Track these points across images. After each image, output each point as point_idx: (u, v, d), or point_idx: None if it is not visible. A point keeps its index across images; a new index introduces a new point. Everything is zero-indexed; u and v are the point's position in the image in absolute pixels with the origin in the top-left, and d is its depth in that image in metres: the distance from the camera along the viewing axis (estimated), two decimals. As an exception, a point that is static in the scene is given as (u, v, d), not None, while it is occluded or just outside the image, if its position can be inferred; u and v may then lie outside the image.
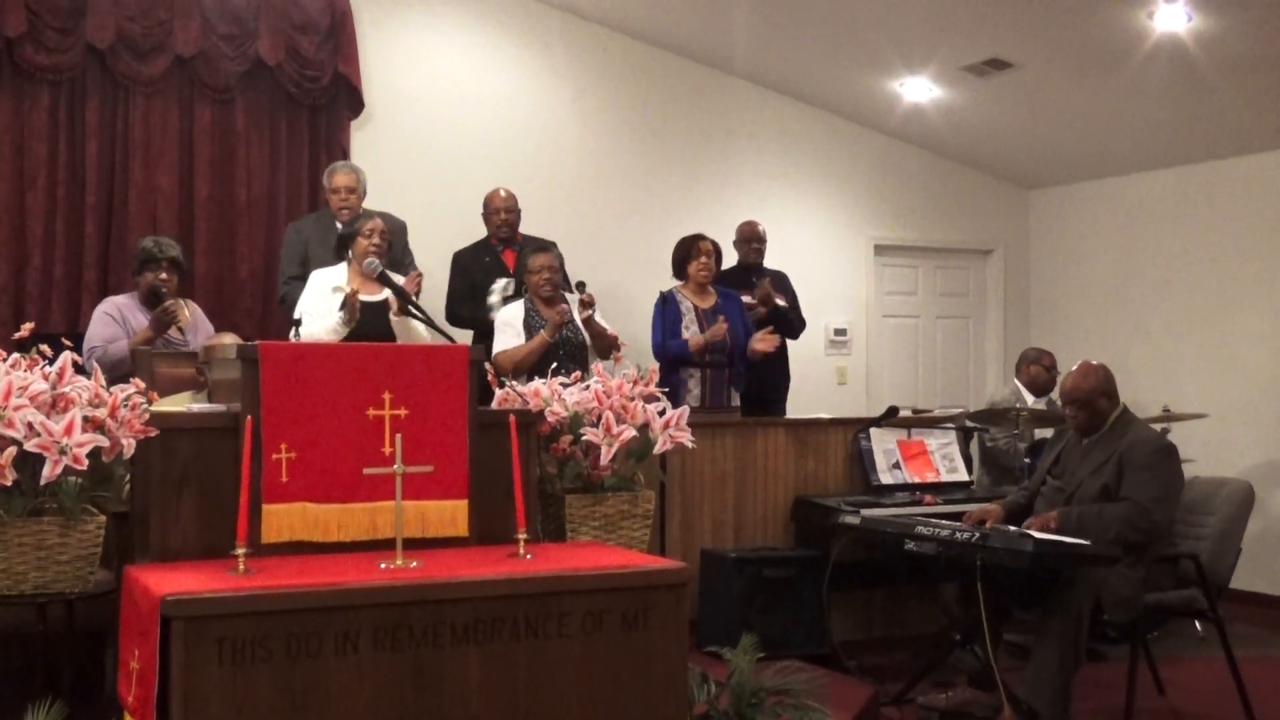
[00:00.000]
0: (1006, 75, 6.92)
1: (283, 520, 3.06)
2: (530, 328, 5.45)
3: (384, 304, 4.96)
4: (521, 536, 3.06)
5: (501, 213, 6.19)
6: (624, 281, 6.99)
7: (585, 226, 7.08)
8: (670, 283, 6.01)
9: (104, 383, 3.05)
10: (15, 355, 3.05)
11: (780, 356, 6.47)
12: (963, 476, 5.92)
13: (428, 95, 6.94)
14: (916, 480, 5.76)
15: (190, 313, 5.30)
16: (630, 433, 3.56)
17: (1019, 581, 4.36)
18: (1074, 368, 4.80)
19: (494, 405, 3.69)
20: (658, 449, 3.65)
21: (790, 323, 6.48)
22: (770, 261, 6.70)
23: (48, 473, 2.87)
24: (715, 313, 5.90)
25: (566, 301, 5.47)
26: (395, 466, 2.99)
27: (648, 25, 7.32)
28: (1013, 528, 4.41)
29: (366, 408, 3.16)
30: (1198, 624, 5.70)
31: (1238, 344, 7.38)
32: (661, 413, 3.68)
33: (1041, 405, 6.54)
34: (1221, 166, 7.50)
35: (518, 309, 5.53)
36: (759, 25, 6.92)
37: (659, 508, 4.09)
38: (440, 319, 5.27)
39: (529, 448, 3.39)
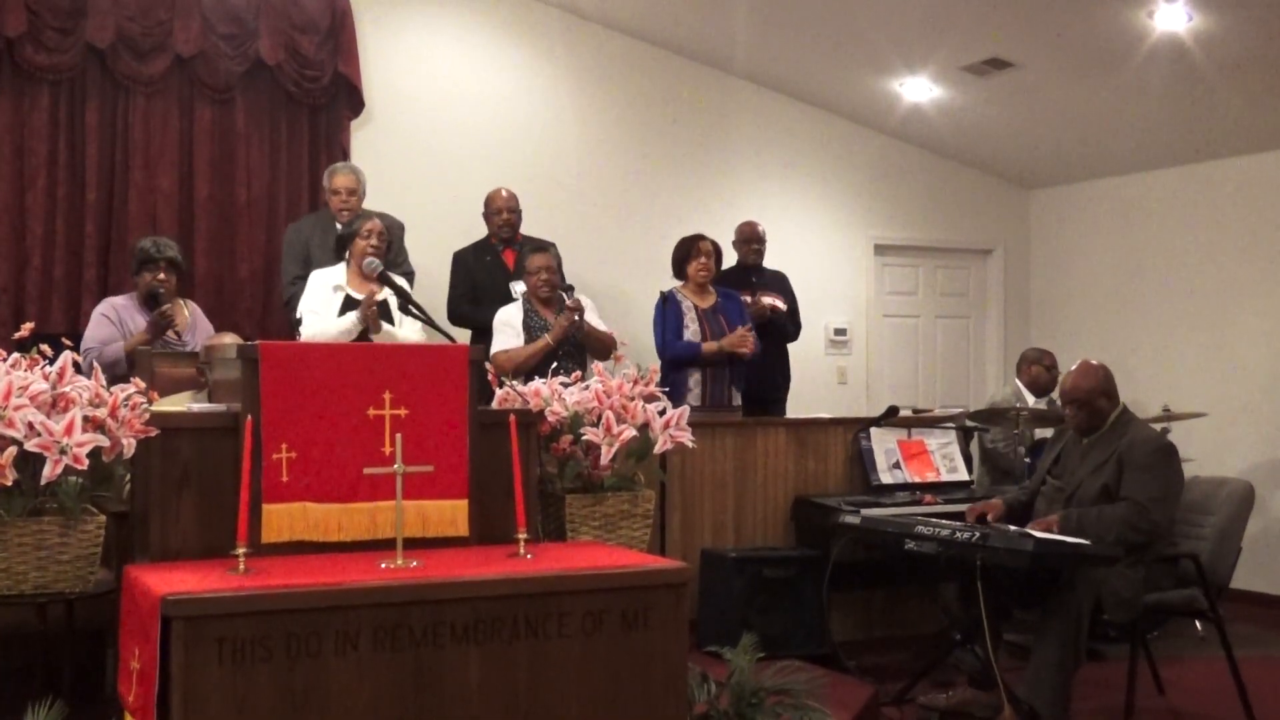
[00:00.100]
0: (1006, 75, 6.92)
1: (283, 520, 3.06)
2: (529, 328, 5.45)
3: (384, 304, 4.97)
4: (522, 536, 3.06)
5: (504, 212, 6.19)
6: (624, 281, 7.00)
7: (585, 226, 7.09)
8: (670, 283, 6.01)
9: (104, 382, 3.05)
10: (15, 355, 3.05)
11: (780, 356, 6.47)
12: (963, 476, 5.92)
13: (428, 95, 6.94)
14: (917, 480, 5.75)
15: (189, 313, 5.31)
16: (630, 432, 3.56)
17: (1019, 581, 4.36)
18: (1074, 367, 4.80)
19: (494, 405, 3.69)
20: (658, 449, 3.65)
21: (784, 327, 6.49)
22: (770, 261, 6.70)
23: (48, 473, 2.87)
24: (715, 313, 5.90)
25: (569, 301, 5.44)
26: (395, 466, 2.99)
27: (648, 25, 7.32)
28: (1013, 528, 4.41)
29: (367, 407, 3.16)
30: (1198, 624, 5.70)
31: (1238, 344, 7.38)
32: (662, 412, 3.68)
33: (1042, 405, 6.54)
34: (1221, 166, 7.50)
35: (516, 309, 5.53)
36: (759, 25, 6.92)
37: (659, 507, 4.09)
38: (440, 319, 5.27)
39: (529, 447, 3.39)
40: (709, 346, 5.73)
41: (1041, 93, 7.15)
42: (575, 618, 2.82)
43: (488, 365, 3.82)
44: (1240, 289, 7.39)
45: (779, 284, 6.59)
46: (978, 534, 4.22)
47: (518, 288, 5.81)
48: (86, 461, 2.91)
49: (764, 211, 7.16)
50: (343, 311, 4.94)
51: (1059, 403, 5.26)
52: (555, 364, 4.47)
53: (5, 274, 5.91)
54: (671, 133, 7.58)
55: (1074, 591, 4.23)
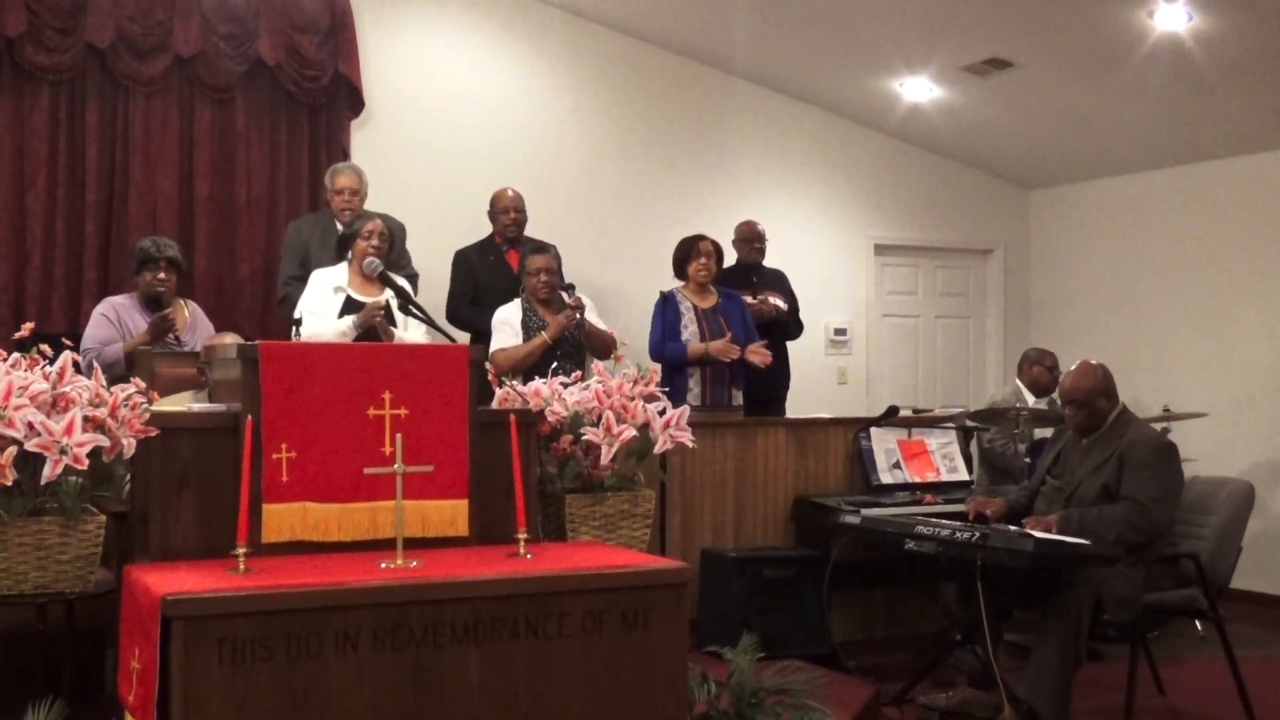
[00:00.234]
0: (1006, 75, 6.92)
1: (283, 520, 3.07)
2: (528, 327, 5.45)
3: (385, 306, 4.96)
4: (522, 536, 3.06)
5: (511, 212, 6.19)
6: (624, 281, 7.00)
7: (585, 226, 7.09)
8: (671, 283, 6.01)
9: (104, 382, 3.05)
10: (15, 355, 3.05)
11: (780, 356, 6.46)
12: (963, 476, 5.92)
13: (428, 95, 6.94)
14: (917, 480, 5.75)
15: (189, 312, 5.31)
16: (630, 432, 3.56)
17: (1019, 581, 4.36)
18: (1073, 367, 4.80)
19: (494, 405, 3.69)
20: (658, 449, 3.65)
21: (787, 326, 6.49)
22: (770, 261, 6.70)
23: (48, 472, 2.88)
24: (716, 313, 5.89)
25: (570, 299, 5.45)
26: (395, 466, 2.99)
27: (648, 25, 7.32)
28: (1013, 527, 4.41)
29: (367, 407, 3.16)
30: (1198, 624, 5.69)
31: (1238, 344, 7.38)
32: (662, 412, 3.68)
33: (1042, 405, 6.54)
34: (1221, 166, 7.50)
35: (515, 308, 5.52)
36: (759, 25, 6.92)
37: (659, 507, 4.08)
38: (440, 318, 5.27)
39: (529, 447, 3.39)
40: (695, 349, 5.71)
41: (1041, 93, 7.15)
42: (575, 618, 2.82)
43: (488, 365, 3.82)
44: (1240, 289, 7.39)
45: (778, 282, 6.60)
46: (978, 534, 4.21)
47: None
48: (86, 461, 2.91)
49: (764, 211, 7.16)
50: (344, 312, 4.93)
51: (1059, 403, 5.26)
52: (555, 364, 4.46)
53: (5, 274, 5.91)
54: (671, 133, 7.58)
55: (1074, 591, 4.23)
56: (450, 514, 3.21)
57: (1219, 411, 7.10)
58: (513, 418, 3.22)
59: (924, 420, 6.19)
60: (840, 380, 8.07)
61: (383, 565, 2.85)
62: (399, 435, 3.05)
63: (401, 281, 5.09)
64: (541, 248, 5.69)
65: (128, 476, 3.17)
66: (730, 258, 6.53)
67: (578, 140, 7.33)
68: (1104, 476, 4.56)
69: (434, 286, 6.08)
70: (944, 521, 4.50)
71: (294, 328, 4.72)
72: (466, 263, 6.19)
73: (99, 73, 6.13)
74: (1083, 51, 6.50)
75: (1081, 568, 4.23)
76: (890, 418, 5.83)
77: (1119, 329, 8.01)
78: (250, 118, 6.44)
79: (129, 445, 3.00)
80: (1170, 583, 4.56)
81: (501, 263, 6.12)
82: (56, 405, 2.96)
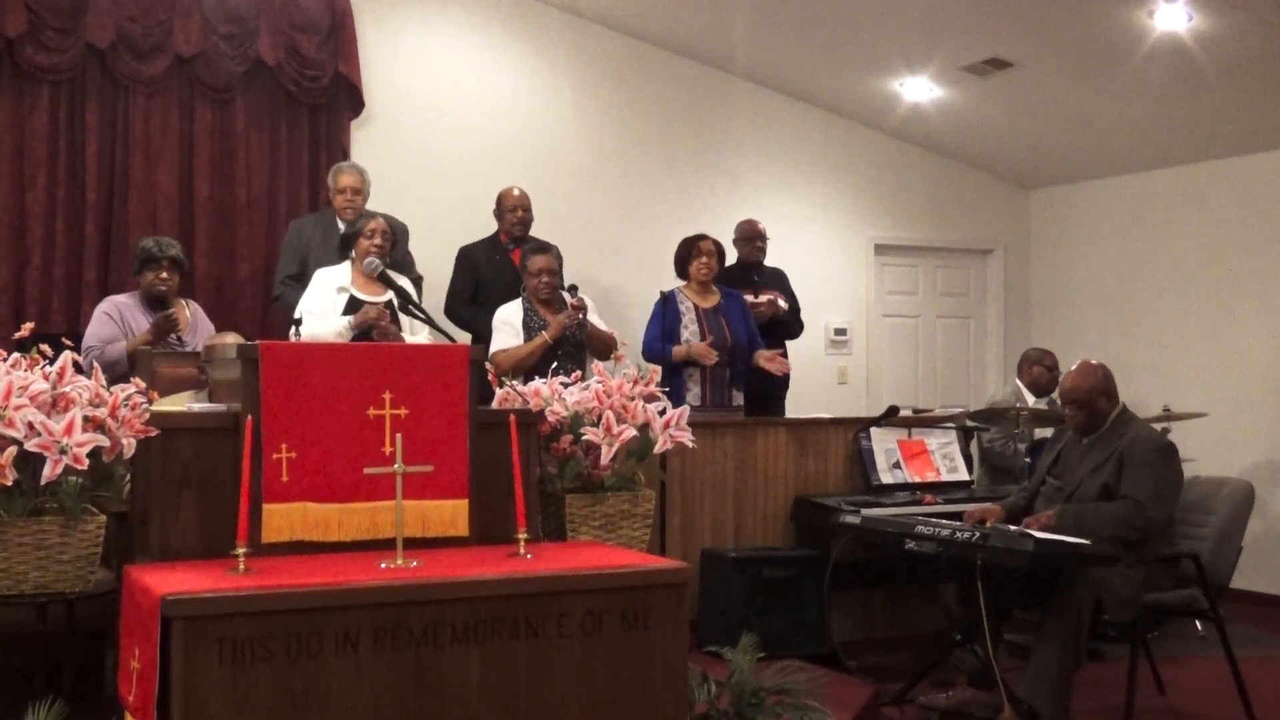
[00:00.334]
0: (1006, 75, 6.92)
1: (283, 520, 3.07)
2: (529, 327, 5.45)
3: (389, 306, 4.96)
4: (522, 536, 3.07)
5: (518, 210, 6.18)
6: (624, 281, 7.00)
7: (585, 226, 7.08)
8: (671, 282, 6.01)
9: (104, 382, 3.05)
10: (15, 355, 3.05)
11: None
12: (963, 476, 5.92)
13: (428, 95, 6.94)
14: (917, 480, 5.75)
15: (190, 313, 5.30)
16: (630, 432, 3.56)
17: (1019, 581, 4.36)
18: (1073, 367, 4.80)
19: (494, 405, 3.69)
20: (658, 449, 3.65)
21: (789, 326, 6.50)
22: (770, 261, 6.70)
23: (48, 472, 2.88)
24: (718, 313, 5.89)
25: (572, 300, 5.44)
26: (395, 466, 2.99)
27: (648, 25, 7.32)
28: (1013, 527, 4.41)
29: (367, 407, 3.16)
30: (1198, 624, 5.69)
31: (1238, 344, 7.38)
32: (662, 412, 3.68)
33: (1042, 405, 6.54)
34: (1221, 166, 7.50)
35: (516, 308, 5.52)
36: (759, 25, 6.92)
37: (659, 507, 4.09)
38: (441, 320, 5.27)
39: (529, 447, 3.39)
40: (678, 351, 5.70)
41: (1041, 93, 7.15)
42: (575, 618, 2.82)
43: (488, 365, 3.82)
44: (1240, 289, 7.39)
45: (778, 281, 6.60)
46: (978, 534, 4.22)
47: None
48: (86, 461, 2.91)
49: (764, 211, 7.16)
50: (348, 312, 4.94)
51: (1059, 403, 5.26)
52: (555, 364, 4.46)
53: (5, 274, 5.91)
54: (671, 133, 7.58)
55: (1074, 591, 4.23)
56: (450, 514, 3.21)
57: (1219, 411, 7.10)
58: (513, 418, 3.22)
59: (924, 420, 6.19)
60: (840, 380, 8.06)
61: (383, 565, 2.85)
62: (399, 435, 3.05)
63: (402, 281, 5.09)
64: (543, 248, 5.68)
65: (128, 476, 3.17)
66: (731, 257, 6.53)
67: (578, 140, 7.32)
68: (1104, 476, 4.56)
69: (431, 287, 6.08)
70: (944, 521, 4.50)
71: (293, 328, 4.72)
72: (471, 260, 6.18)
73: (99, 73, 6.12)
74: (1083, 51, 6.50)
75: (1082, 568, 4.22)
76: (890, 418, 5.83)
77: (1119, 329, 8.01)
78: (250, 118, 6.44)
79: (129, 445, 3.00)
80: (1170, 583, 4.56)
81: (507, 261, 6.11)
82: (56, 405, 2.97)
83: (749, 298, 6.19)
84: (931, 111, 7.58)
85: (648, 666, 2.88)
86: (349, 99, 6.65)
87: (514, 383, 3.80)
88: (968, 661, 4.77)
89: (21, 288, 5.94)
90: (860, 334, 8.18)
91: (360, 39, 6.65)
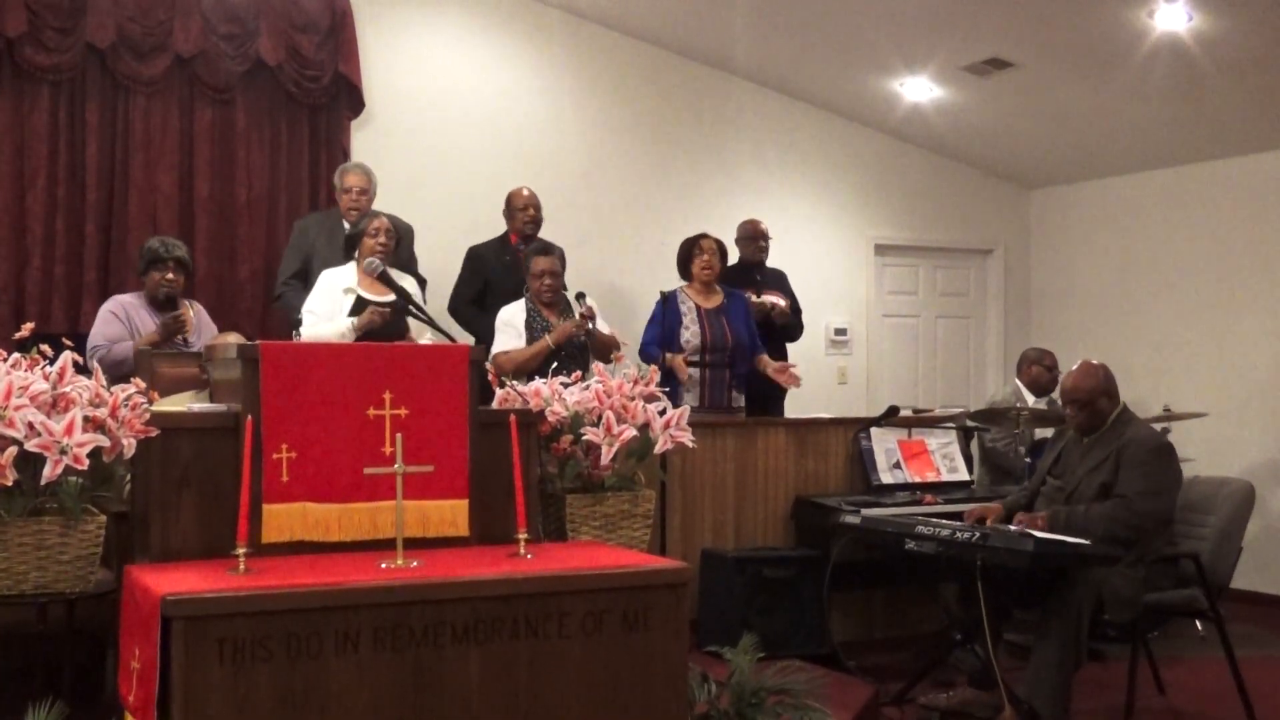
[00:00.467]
0: (1006, 75, 6.92)
1: (283, 520, 3.07)
2: (532, 328, 5.44)
3: (395, 306, 4.96)
4: (522, 536, 3.07)
5: (529, 210, 6.18)
6: (625, 281, 7.00)
7: (586, 226, 7.08)
8: (673, 282, 6.00)
9: (104, 382, 3.05)
10: (15, 355, 3.05)
11: (780, 356, 6.46)
12: (963, 476, 5.92)
13: (428, 95, 6.94)
14: (917, 480, 5.75)
15: (194, 314, 5.30)
16: (631, 432, 3.56)
17: (1019, 581, 4.36)
18: (1074, 367, 4.80)
19: (494, 405, 3.69)
20: (658, 449, 3.65)
21: (789, 327, 6.50)
22: (770, 261, 6.69)
23: (48, 473, 2.88)
24: (719, 313, 5.88)
25: (581, 309, 5.42)
26: (396, 466, 2.99)
27: (648, 25, 7.32)
28: (1013, 527, 4.42)
29: (367, 407, 3.16)
30: (1198, 624, 5.69)
31: (1238, 344, 7.38)
32: (662, 412, 3.68)
33: (1042, 405, 6.54)
34: (1221, 166, 7.50)
35: (519, 309, 5.51)
36: (759, 25, 6.92)
37: (659, 508, 4.09)
38: (443, 320, 5.27)
39: (529, 447, 3.39)
40: (670, 358, 5.69)
41: (1041, 93, 7.14)
42: (575, 618, 2.82)
43: (488, 365, 3.82)
44: (1240, 289, 7.39)
45: (778, 282, 6.60)
46: (978, 534, 4.22)
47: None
48: (87, 461, 2.91)
49: (764, 211, 7.15)
50: (354, 313, 4.94)
51: (1059, 403, 5.26)
52: (556, 364, 4.46)
53: (5, 274, 5.90)
54: (671, 133, 7.57)
55: (1074, 591, 4.23)
56: (450, 514, 3.21)
57: (1219, 411, 7.10)
58: (513, 418, 3.22)
59: (924, 420, 6.19)
60: (840, 380, 8.07)
61: (383, 565, 2.85)
62: (399, 435, 3.05)
63: (404, 281, 5.08)
64: (546, 249, 5.64)
65: (128, 476, 3.17)
66: (733, 256, 6.53)
67: (577, 140, 7.32)
68: (1103, 475, 4.56)
69: (432, 288, 6.06)
70: (944, 521, 4.50)
71: (294, 328, 4.73)
72: (479, 260, 6.16)
73: (99, 73, 6.12)
74: (1083, 51, 6.49)
75: (1082, 568, 4.23)
76: (890, 418, 5.83)
77: (1119, 329, 8.01)
78: (250, 118, 6.44)
79: (129, 445, 3.00)
80: (1170, 583, 4.56)
81: (516, 262, 6.08)
82: (57, 405, 2.97)
83: (750, 297, 6.19)
84: (931, 111, 7.58)
85: (648, 667, 2.88)
86: (349, 99, 6.65)
87: (514, 383, 3.80)
88: (968, 661, 4.77)
89: (21, 288, 5.94)
90: (860, 334, 8.18)
91: (360, 39, 6.65)
